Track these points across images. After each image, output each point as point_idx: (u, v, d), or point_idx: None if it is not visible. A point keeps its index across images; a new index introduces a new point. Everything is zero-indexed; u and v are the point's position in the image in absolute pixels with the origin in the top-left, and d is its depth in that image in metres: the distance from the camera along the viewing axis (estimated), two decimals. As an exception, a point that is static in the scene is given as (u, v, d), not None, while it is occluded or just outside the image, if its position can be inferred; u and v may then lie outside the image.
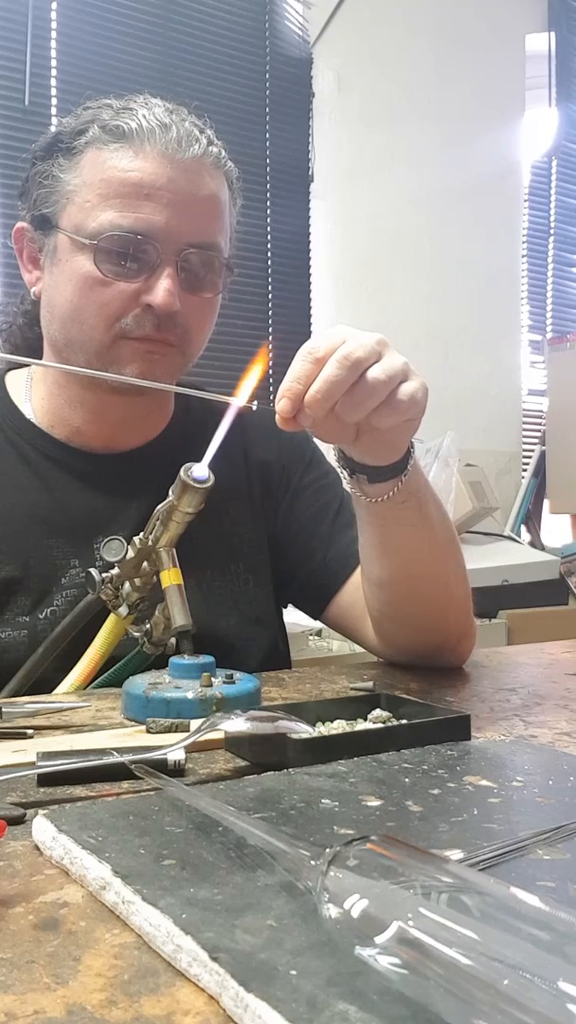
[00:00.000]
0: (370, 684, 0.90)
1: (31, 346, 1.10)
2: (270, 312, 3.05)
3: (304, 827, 0.49)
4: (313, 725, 0.67)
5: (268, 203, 3.03)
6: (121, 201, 0.94)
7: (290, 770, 0.59)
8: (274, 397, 0.76)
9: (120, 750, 0.61)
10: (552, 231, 3.85)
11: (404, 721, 0.71)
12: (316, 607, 1.12)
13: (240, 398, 0.83)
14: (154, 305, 0.95)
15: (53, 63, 2.62)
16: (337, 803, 0.53)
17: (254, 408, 0.84)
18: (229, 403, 0.84)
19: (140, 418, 1.08)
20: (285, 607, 1.17)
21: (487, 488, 2.94)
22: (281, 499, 1.13)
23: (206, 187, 0.98)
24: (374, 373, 0.74)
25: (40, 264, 1.03)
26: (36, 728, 0.72)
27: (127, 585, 0.89)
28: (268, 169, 3.03)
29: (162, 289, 0.95)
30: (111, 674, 0.92)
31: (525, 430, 3.68)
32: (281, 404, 0.75)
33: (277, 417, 0.76)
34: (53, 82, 2.62)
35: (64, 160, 0.98)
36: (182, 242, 0.96)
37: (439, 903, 0.32)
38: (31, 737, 0.70)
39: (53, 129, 1.02)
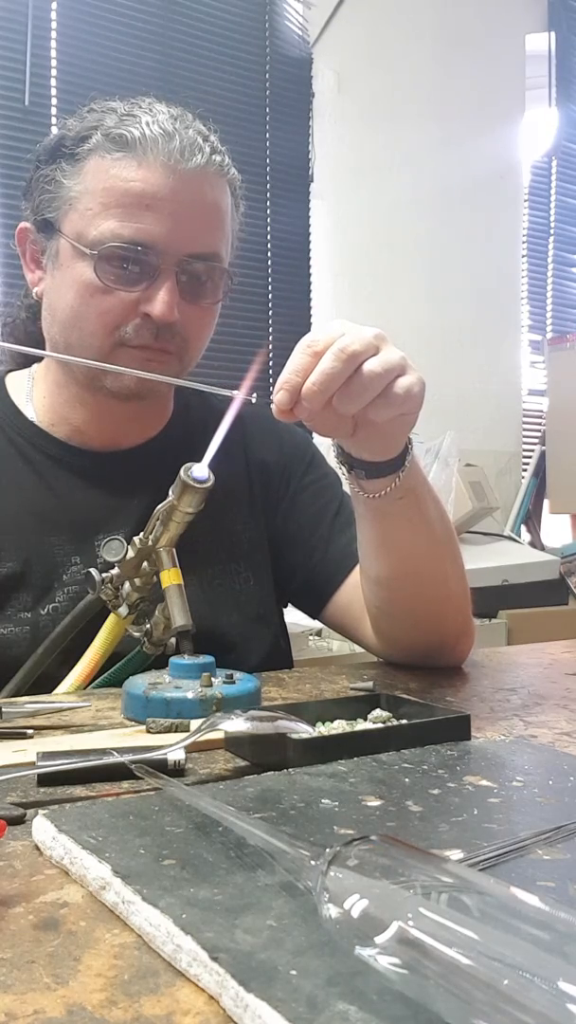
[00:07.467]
0: (370, 684, 0.90)
1: (34, 340, 1.10)
2: (270, 312, 3.05)
3: (304, 827, 0.49)
4: (313, 725, 0.67)
5: (268, 203, 3.03)
6: (123, 211, 0.95)
7: (290, 770, 0.59)
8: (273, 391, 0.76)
9: (120, 750, 0.61)
10: (552, 231, 3.85)
11: (404, 721, 0.71)
12: (315, 606, 1.13)
13: (240, 391, 0.84)
14: (153, 316, 0.96)
15: (53, 63, 2.61)
16: (337, 803, 0.53)
17: (253, 401, 0.85)
18: (229, 399, 0.85)
19: (140, 419, 1.08)
20: (284, 606, 1.18)
21: (487, 488, 2.94)
22: (281, 499, 1.13)
23: (208, 196, 0.98)
24: (370, 366, 0.75)
25: (43, 265, 1.03)
26: (36, 728, 0.72)
27: (127, 585, 0.89)
28: (268, 169, 3.03)
29: (160, 300, 0.95)
30: (111, 674, 0.92)
31: (525, 430, 3.68)
32: (279, 396, 0.75)
33: (274, 408, 0.76)
34: (53, 82, 2.61)
35: (67, 166, 0.98)
36: (182, 252, 0.97)
37: (439, 903, 0.32)
38: (31, 737, 0.70)
39: (57, 131, 1.02)
